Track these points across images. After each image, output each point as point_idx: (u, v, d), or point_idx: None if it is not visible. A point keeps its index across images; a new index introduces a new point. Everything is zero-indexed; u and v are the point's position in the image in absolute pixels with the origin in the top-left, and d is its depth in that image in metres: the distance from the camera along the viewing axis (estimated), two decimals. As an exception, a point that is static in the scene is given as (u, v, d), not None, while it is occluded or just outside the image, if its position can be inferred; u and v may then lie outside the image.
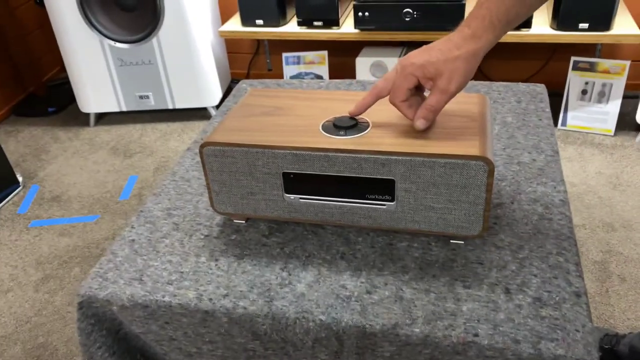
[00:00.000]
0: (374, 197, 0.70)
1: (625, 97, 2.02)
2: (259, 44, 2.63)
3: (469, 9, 2.14)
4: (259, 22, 2.18)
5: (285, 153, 0.69)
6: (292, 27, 2.17)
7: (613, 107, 2.01)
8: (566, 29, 1.89)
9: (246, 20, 2.20)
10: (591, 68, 2.01)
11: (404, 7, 1.96)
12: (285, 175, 0.71)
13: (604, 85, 2.00)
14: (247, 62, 2.70)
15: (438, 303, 0.63)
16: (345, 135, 0.69)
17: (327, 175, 0.69)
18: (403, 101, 0.67)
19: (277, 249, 0.73)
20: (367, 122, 0.72)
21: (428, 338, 0.60)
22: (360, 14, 2.01)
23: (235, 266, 0.71)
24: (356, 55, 2.29)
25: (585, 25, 1.87)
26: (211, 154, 0.72)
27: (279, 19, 2.16)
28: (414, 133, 0.69)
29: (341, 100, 0.78)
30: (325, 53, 2.28)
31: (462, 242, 0.71)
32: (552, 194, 0.78)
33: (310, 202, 0.72)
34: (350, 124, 0.71)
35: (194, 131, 2.36)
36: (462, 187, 0.65)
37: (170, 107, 2.37)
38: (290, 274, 0.69)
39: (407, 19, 1.98)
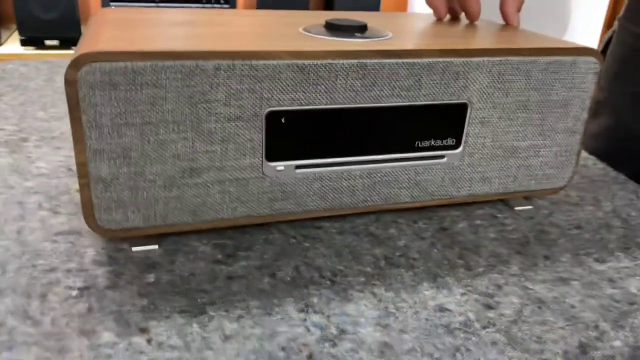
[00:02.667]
0: (429, 143, 0.39)
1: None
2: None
3: (240, 6, 1.97)
4: (-42, 41, 1.55)
5: (280, 65, 0.33)
6: (10, 49, 1.61)
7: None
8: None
9: None
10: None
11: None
12: (272, 118, 0.35)
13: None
14: None
15: (594, 293, 0.37)
16: (364, 37, 0.38)
17: (352, 109, 0.36)
18: None
19: (263, 277, 0.35)
20: (375, 27, 0.42)
21: (639, 351, 0.33)
22: (112, 29, 1.61)
23: (196, 332, 0.30)
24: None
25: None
26: (101, 83, 0.30)
27: (-10, 38, 1.58)
28: (464, 34, 0.42)
29: (280, 16, 0.46)
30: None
31: (531, 207, 0.47)
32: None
33: (315, 173, 0.37)
34: (360, 24, 0.40)
35: None
36: (562, 105, 0.41)
37: None
38: (327, 316, 0.32)
39: (172, 37, 1.66)
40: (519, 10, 0.48)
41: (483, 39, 0.41)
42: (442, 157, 0.40)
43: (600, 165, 0.56)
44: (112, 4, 1.58)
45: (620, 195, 0.50)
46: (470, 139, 0.40)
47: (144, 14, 0.42)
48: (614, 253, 0.41)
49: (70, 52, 1.61)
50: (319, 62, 0.34)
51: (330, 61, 0.34)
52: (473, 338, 0.32)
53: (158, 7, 1.58)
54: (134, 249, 0.37)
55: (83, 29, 1.66)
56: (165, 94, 0.32)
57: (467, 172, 0.41)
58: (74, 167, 0.47)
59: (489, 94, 0.39)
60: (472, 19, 0.47)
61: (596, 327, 0.33)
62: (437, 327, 0.32)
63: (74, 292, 0.33)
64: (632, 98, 0.63)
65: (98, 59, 0.30)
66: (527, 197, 0.47)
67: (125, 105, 0.31)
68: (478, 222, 0.44)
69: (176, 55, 0.31)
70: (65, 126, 0.54)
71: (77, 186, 0.44)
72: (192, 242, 0.38)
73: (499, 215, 0.45)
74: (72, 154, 0.49)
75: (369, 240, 0.40)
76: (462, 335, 0.32)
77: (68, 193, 0.43)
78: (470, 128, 0.39)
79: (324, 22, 0.41)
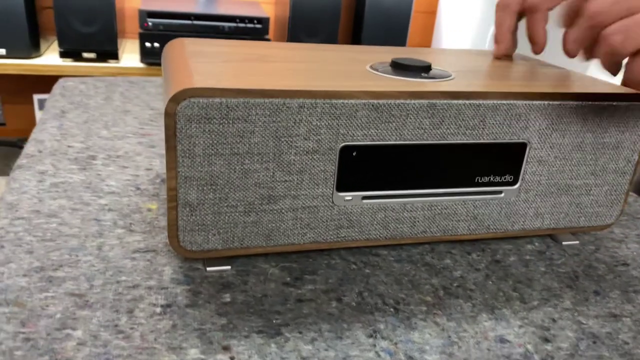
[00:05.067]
0: (488, 179, 0.41)
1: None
2: (-15, 90, 1.97)
3: (272, 30, 2.00)
4: (1, 51, 1.61)
5: (357, 104, 0.36)
6: (50, 60, 1.66)
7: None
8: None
9: (-22, 49, 1.60)
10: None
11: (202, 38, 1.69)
12: (345, 152, 0.37)
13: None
14: (-34, 116, 1.99)
15: (644, 332, 0.38)
16: (430, 78, 0.40)
17: (419, 145, 0.38)
18: (548, 9, 0.43)
19: (330, 302, 0.37)
20: (438, 67, 0.44)
21: (690, 392, 0.34)
22: (148, 44, 1.65)
23: (275, 351, 0.32)
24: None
25: (382, 66, 1.92)
26: (198, 117, 0.33)
27: (31, 48, 1.63)
28: (522, 77, 0.44)
29: (345, 51, 0.48)
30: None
31: (577, 242, 0.48)
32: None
33: (380, 204, 0.39)
34: (425, 64, 0.42)
35: None
36: (614, 146, 0.43)
37: None
38: (394, 342, 0.34)
39: (205, 54, 1.70)
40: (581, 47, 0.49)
41: (542, 82, 0.43)
42: (499, 192, 0.42)
43: (642, 202, 0.57)
44: (149, 20, 1.62)
45: (664, 234, 0.51)
46: (527, 176, 0.42)
47: (218, 46, 0.45)
48: (662, 291, 0.43)
49: (108, 66, 1.66)
50: (392, 101, 0.36)
51: (402, 101, 0.36)
52: (534, 369, 0.33)
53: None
54: (209, 268, 0.39)
55: (119, 42, 1.71)
56: (253, 127, 0.34)
57: (522, 208, 0.43)
58: (142, 187, 0.49)
59: (547, 134, 0.41)
60: (537, 50, 0.48)
61: (650, 364, 0.35)
62: (499, 358, 0.34)
63: (158, 309, 0.35)
64: None
65: (196, 94, 0.33)
66: (574, 233, 0.48)
67: (217, 137, 0.34)
68: (528, 256, 0.45)
69: (266, 93, 0.34)
70: (128, 145, 0.57)
71: (147, 205, 0.47)
72: (261, 264, 0.40)
73: (547, 250, 0.47)
74: (138, 173, 0.52)
75: (426, 270, 0.42)
76: (523, 366, 0.34)
77: (139, 212, 0.46)
78: (528, 166, 0.41)
79: (389, 61, 0.43)
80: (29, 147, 0.55)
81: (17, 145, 2.01)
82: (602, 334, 0.37)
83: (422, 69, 0.41)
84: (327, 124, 0.36)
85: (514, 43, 0.50)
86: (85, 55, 1.65)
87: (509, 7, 0.49)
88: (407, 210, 0.40)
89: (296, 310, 0.36)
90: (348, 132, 0.36)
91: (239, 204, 0.36)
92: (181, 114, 0.33)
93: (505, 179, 0.42)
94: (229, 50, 0.43)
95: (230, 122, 0.34)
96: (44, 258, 0.38)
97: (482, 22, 1.90)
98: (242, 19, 1.69)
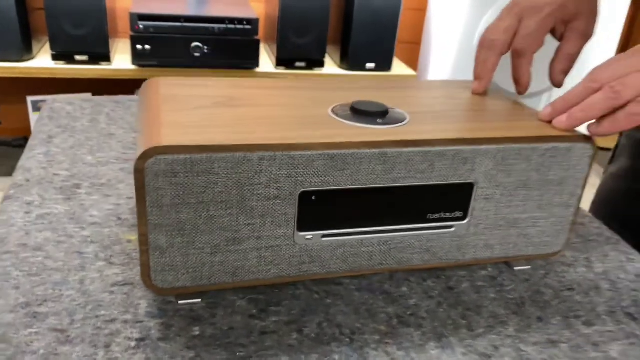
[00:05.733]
0: (439, 216, 0.45)
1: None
2: (-21, 90, 1.99)
3: (262, 46, 2.02)
4: (-7, 55, 1.63)
5: (313, 155, 0.39)
6: (42, 63, 1.68)
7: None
8: (354, 69, 1.93)
9: (-29, 53, 1.62)
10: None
11: (192, 40, 1.71)
12: (304, 197, 0.40)
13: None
14: (-39, 115, 2.01)
15: (579, 356, 0.42)
16: (385, 124, 0.43)
17: (373, 189, 0.42)
18: (534, 53, 0.48)
19: (291, 333, 0.41)
20: (396, 109, 0.47)
21: (612, 415, 0.38)
22: (139, 46, 1.67)
23: (237, 384, 0.36)
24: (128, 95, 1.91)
25: (371, 65, 1.94)
26: (164, 172, 0.36)
27: (23, 51, 1.65)
28: (473, 119, 0.48)
29: (309, 88, 0.51)
30: (88, 96, 1.84)
31: (529, 267, 0.52)
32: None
33: (338, 241, 0.43)
34: (381, 109, 0.45)
35: None
36: (558, 183, 0.46)
37: None
38: (346, 372, 0.38)
39: (196, 55, 1.73)
40: (566, 73, 0.53)
41: (490, 124, 0.46)
42: (450, 227, 0.45)
43: (596, 224, 0.61)
44: (140, 22, 1.64)
45: (612, 257, 0.55)
46: (475, 212, 0.45)
47: (190, 87, 0.48)
48: (600, 317, 0.46)
49: (100, 68, 1.68)
50: (346, 151, 0.39)
51: (356, 150, 0.40)
52: (471, 397, 0.37)
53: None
54: (180, 302, 0.43)
55: (111, 43, 1.73)
56: (217, 179, 0.37)
57: (472, 240, 0.47)
58: (123, 216, 0.53)
59: (493, 175, 0.44)
60: (522, 91, 0.52)
61: (578, 389, 0.39)
62: (441, 386, 0.38)
63: (133, 343, 0.38)
64: None
65: (162, 152, 0.36)
66: (527, 259, 0.52)
67: (182, 188, 0.37)
68: (480, 283, 0.49)
69: (227, 148, 0.37)
70: (112, 172, 0.60)
71: (127, 236, 0.50)
72: (230, 297, 0.44)
73: (499, 276, 0.50)
74: (120, 202, 0.55)
75: (384, 298, 0.46)
76: (461, 394, 0.37)
77: (120, 243, 0.49)
78: (476, 203, 0.45)
79: (350, 106, 0.46)
80: (17, 176, 0.58)
81: (12, 144, 2.04)
82: (538, 361, 0.41)
83: (379, 115, 0.44)
84: (286, 173, 0.39)
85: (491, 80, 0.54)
86: (78, 57, 1.67)
87: (495, 48, 0.52)
88: (364, 246, 0.44)
89: (259, 343, 0.40)
90: (306, 180, 0.40)
91: (205, 246, 0.40)
92: (149, 170, 0.36)
93: (455, 215, 0.45)
94: (200, 94, 0.46)
95: (195, 175, 0.37)
96: (29, 293, 0.42)
97: (471, 18, 1.92)
98: (232, 21, 1.71)
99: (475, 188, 0.44)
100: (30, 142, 0.66)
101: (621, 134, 0.73)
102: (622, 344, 0.43)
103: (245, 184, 0.38)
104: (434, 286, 0.48)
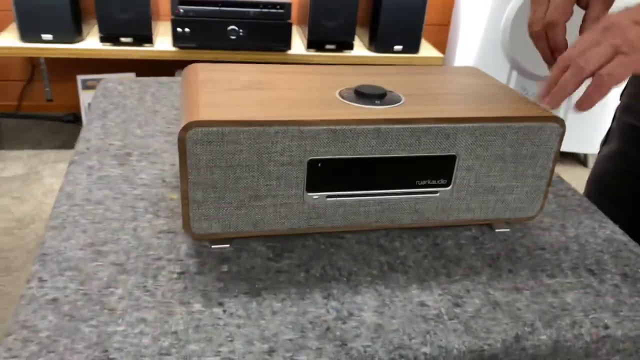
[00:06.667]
0: (426, 182, 0.54)
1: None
2: (33, 68, 2.15)
3: (293, 31, 2.11)
4: (47, 36, 1.77)
5: (319, 130, 0.48)
6: (91, 44, 1.82)
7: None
8: (382, 51, 2.00)
9: (28, 35, 1.76)
10: (402, 89, 2.16)
11: (228, 24, 1.81)
12: (312, 164, 0.50)
13: (414, 104, 2.16)
14: (16, 92, 2.18)
15: (539, 300, 0.50)
16: (382, 104, 0.52)
17: (369, 158, 0.51)
18: (565, 22, 0.55)
19: (299, 273, 0.51)
20: (394, 92, 0.56)
21: (558, 344, 0.47)
22: (179, 29, 1.79)
23: (255, 307, 0.46)
24: (169, 77, 2.04)
25: (399, 48, 2.00)
26: (201, 141, 0.46)
27: (74, 34, 1.79)
28: (460, 101, 0.56)
29: (327, 74, 0.60)
30: (132, 75, 1.97)
31: (509, 230, 0.60)
32: (544, 172, 0.73)
33: (340, 201, 0.52)
34: (380, 92, 0.54)
35: (-45, 178, 1.77)
36: (531, 157, 0.54)
37: None
38: (342, 302, 0.48)
39: (232, 37, 1.83)
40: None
41: (473, 105, 0.54)
42: (436, 192, 0.54)
43: (577, 196, 0.68)
44: (180, 7, 1.75)
45: (586, 224, 0.62)
46: (457, 180, 0.54)
47: (224, 72, 0.57)
48: (564, 271, 0.54)
49: (143, 49, 1.80)
50: (346, 127, 0.48)
51: (354, 127, 0.49)
52: (441, 326, 0.46)
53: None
54: (213, 246, 0.53)
55: (154, 25, 1.85)
56: (241, 148, 0.47)
57: (455, 204, 0.55)
58: (167, 179, 0.63)
59: (472, 149, 0.52)
60: (553, 56, 0.57)
61: (532, 325, 0.47)
62: (417, 317, 0.47)
63: (175, 275, 0.49)
64: (633, 129, 0.74)
65: (199, 125, 0.46)
66: (507, 222, 0.60)
67: (215, 154, 0.47)
68: (463, 241, 0.58)
69: (249, 123, 0.47)
70: (157, 144, 0.71)
71: (170, 196, 0.61)
72: (252, 243, 0.54)
73: (480, 236, 0.59)
74: (165, 168, 0.66)
75: (378, 250, 0.55)
76: (433, 323, 0.46)
77: (164, 201, 0.60)
78: (458, 173, 0.53)
79: (354, 89, 0.55)
80: (79, 145, 0.69)
81: (63, 120, 2.19)
82: (502, 302, 0.50)
83: (378, 97, 0.53)
84: (296, 144, 0.48)
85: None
86: (123, 39, 1.80)
87: (541, 35, 0.58)
88: (362, 206, 0.53)
89: (274, 279, 0.50)
90: (313, 150, 0.49)
91: (233, 200, 0.50)
92: (189, 139, 0.46)
93: (440, 182, 0.54)
94: (232, 78, 0.56)
95: (225, 144, 0.47)
96: (94, 237, 0.53)
97: (498, 1, 1.95)
98: (266, 5, 1.79)
99: (457, 159, 0.53)
100: (89, 117, 0.77)
101: (613, 118, 0.79)
102: (577, 292, 0.52)
103: (263, 152, 0.48)
104: (422, 242, 0.57)
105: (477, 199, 0.55)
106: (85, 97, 1.95)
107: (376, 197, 0.53)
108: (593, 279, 0.54)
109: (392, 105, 0.52)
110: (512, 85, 2.04)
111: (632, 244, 0.60)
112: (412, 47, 2.01)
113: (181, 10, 1.76)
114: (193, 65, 0.60)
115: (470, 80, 0.62)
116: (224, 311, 0.46)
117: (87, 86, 1.94)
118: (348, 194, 0.52)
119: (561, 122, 0.53)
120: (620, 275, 0.55)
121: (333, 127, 0.48)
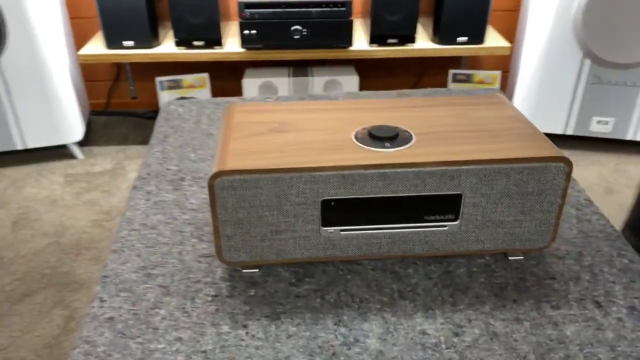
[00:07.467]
0: (434, 217, 0.58)
1: (497, 104, 2.18)
2: (119, 69, 2.34)
3: (357, 26, 2.15)
4: (128, 43, 1.93)
5: (329, 175, 0.54)
6: (167, 48, 1.96)
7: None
8: (447, 43, 1.98)
9: (112, 42, 1.93)
10: (468, 79, 2.13)
11: (292, 24, 1.88)
12: (325, 203, 0.56)
13: (480, 94, 2.14)
14: (105, 91, 2.39)
15: (537, 332, 0.54)
16: (392, 147, 0.57)
17: (377, 198, 0.56)
18: None
19: (316, 298, 0.58)
20: (408, 131, 0.60)
21: (549, 377, 0.50)
22: (246, 31, 1.88)
23: (273, 330, 0.54)
24: (239, 76, 2.15)
25: (463, 39, 1.98)
26: (227, 187, 0.54)
27: (152, 39, 1.93)
28: (468, 139, 0.59)
29: (351, 109, 0.66)
30: (205, 76, 2.10)
31: (522, 258, 0.63)
32: (574, 194, 0.74)
33: (353, 234, 0.58)
34: (392, 134, 0.59)
35: (55, 173, 1.99)
36: (537, 194, 0.57)
37: (20, 147, 1.97)
38: (350, 329, 0.54)
39: (295, 37, 1.90)
40: None
41: (477, 146, 0.57)
42: (444, 226, 0.58)
43: (603, 221, 0.69)
44: (246, 10, 1.84)
45: (604, 252, 0.64)
46: (465, 215, 0.58)
47: (257, 113, 0.64)
48: (569, 302, 0.57)
49: (214, 52, 1.92)
50: (354, 172, 0.54)
51: (362, 171, 0.54)
52: (437, 355, 0.51)
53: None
54: (244, 271, 0.61)
55: (224, 26, 1.95)
56: (262, 191, 0.54)
57: (464, 236, 0.59)
58: (212, 204, 0.72)
59: (477, 188, 0.56)
60: None
61: (525, 357, 0.51)
62: (416, 344, 0.52)
63: (209, 298, 0.57)
64: None
65: (225, 175, 0.53)
66: (515, 252, 0.63)
67: (239, 197, 0.54)
68: (475, 269, 0.62)
69: (268, 171, 0.53)
70: (207, 168, 0.80)
71: (213, 220, 0.69)
72: (278, 269, 0.61)
73: (493, 264, 0.62)
74: (211, 191, 0.74)
75: (391, 277, 0.60)
76: (430, 351, 0.52)
77: (209, 225, 0.68)
78: (465, 209, 0.57)
79: (368, 131, 0.60)
80: (142, 170, 0.79)
81: (144, 116, 2.38)
82: (501, 333, 0.54)
83: (388, 139, 0.58)
84: (309, 187, 0.54)
85: None
86: (195, 43, 1.92)
87: None
88: (374, 238, 0.59)
89: (292, 303, 0.57)
90: (325, 191, 0.55)
91: (257, 235, 0.57)
92: (217, 186, 0.54)
93: (447, 217, 0.58)
94: (261, 120, 0.63)
95: (247, 188, 0.54)
96: (146, 260, 0.62)
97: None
98: (327, 4, 1.84)
99: (463, 197, 0.56)
100: (151, 142, 0.87)
101: None
102: (578, 325, 0.54)
103: (281, 194, 0.55)
104: (435, 270, 0.61)
105: (485, 232, 0.59)
106: (163, 97, 2.11)
107: (387, 231, 0.58)
108: (598, 311, 0.56)
109: (401, 148, 0.57)
110: (584, 74, 1.96)
111: (648, 274, 0.61)
112: (477, 37, 1.98)
113: (247, 14, 1.85)
114: (231, 105, 0.68)
115: (486, 114, 0.65)
116: (247, 333, 0.53)
117: (164, 87, 2.09)
118: (360, 228, 0.58)
119: (567, 162, 0.56)
120: (628, 308, 0.57)
121: (342, 172, 0.54)
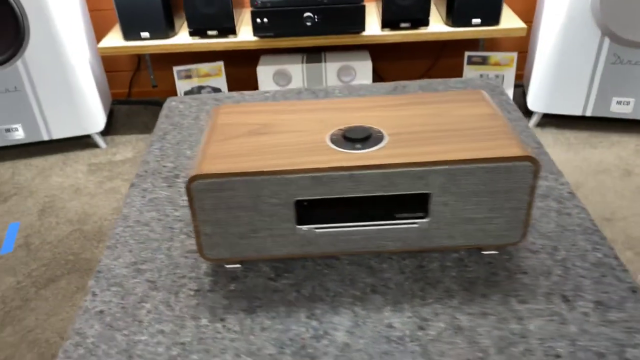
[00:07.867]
0: (404, 215, 0.60)
1: (515, 86, 2.15)
2: (139, 59, 2.40)
3: (369, 10, 2.14)
4: (145, 34, 1.97)
5: (300, 177, 0.57)
6: (182, 39, 2.00)
7: (504, 97, 2.13)
8: (460, 25, 1.96)
9: (129, 34, 1.98)
10: (483, 61, 2.11)
11: (304, 11, 1.88)
12: (299, 203, 0.59)
13: (496, 76, 2.11)
14: (127, 81, 2.45)
15: (501, 326, 0.56)
16: (363, 148, 0.59)
17: (348, 198, 0.58)
18: None
19: (292, 292, 0.61)
20: (381, 132, 0.62)
21: (508, 370, 0.53)
22: (258, 20, 1.90)
23: (249, 323, 0.57)
24: (254, 64, 2.18)
25: (477, 21, 1.95)
26: (203, 189, 0.57)
27: (167, 30, 1.97)
28: (439, 139, 0.61)
29: (331, 109, 0.68)
30: (221, 64, 2.13)
31: (497, 252, 0.65)
32: (557, 187, 0.75)
33: (327, 232, 0.61)
34: (365, 135, 0.60)
35: (79, 162, 2.07)
36: (505, 192, 0.58)
37: (46, 138, 2.05)
38: (321, 322, 0.57)
39: (307, 24, 1.91)
40: None
41: (446, 146, 0.58)
42: (414, 223, 0.60)
43: (583, 214, 0.70)
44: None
45: (579, 246, 0.65)
46: (434, 213, 0.59)
47: (242, 113, 0.67)
48: (536, 297, 0.59)
49: (228, 41, 1.95)
50: (323, 174, 0.56)
51: (331, 173, 0.56)
52: (400, 347, 0.54)
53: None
54: (227, 266, 0.64)
55: (237, 14, 1.98)
56: (237, 193, 0.57)
57: (435, 233, 0.61)
58: (203, 200, 0.75)
59: (446, 187, 0.58)
60: None
61: (485, 351, 0.53)
62: (382, 337, 0.55)
63: (192, 292, 0.61)
64: None
65: (201, 178, 0.56)
66: (488, 247, 0.64)
67: (216, 199, 0.57)
68: (449, 263, 0.63)
69: (242, 174, 0.56)
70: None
71: (202, 216, 0.72)
72: (260, 264, 0.65)
73: (466, 259, 0.64)
74: (203, 188, 0.78)
75: (366, 271, 0.63)
76: (394, 344, 0.54)
77: (197, 222, 0.72)
78: (434, 207, 0.59)
79: (343, 132, 0.62)
80: (140, 167, 0.83)
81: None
82: (465, 327, 0.56)
83: (361, 140, 0.60)
84: (282, 189, 0.57)
85: None
86: (209, 32, 1.95)
87: None
88: (347, 235, 0.61)
89: (269, 297, 0.60)
90: (297, 192, 0.57)
91: (235, 233, 0.60)
92: (194, 188, 0.57)
93: (418, 215, 0.60)
94: (242, 121, 0.66)
95: (223, 191, 0.57)
96: (137, 256, 0.67)
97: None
98: (338, -10, 1.84)
99: (431, 196, 0.58)
100: (151, 139, 0.91)
101: None
102: (543, 319, 0.56)
103: (255, 195, 0.57)
104: (409, 264, 0.64)
105: (456, 228, 0.61)
106: (181, 86, 2.15)
107: (360, 228, 0.61)
108: (564, 305, 0.58)
109: (371, 149, 0.59)
110: (603, 54, 1.91)
111: (620, 268, 0.62)
112: (493, 18, 1.95)
113: (259, 2, 1.87)
114: (216, 108, 0.71)
115: (463, 112, 0.66)
116: (224, 326, 0.57)
117: (181, 76, 2.14)
118: (334, 226, 0.60)
119: (534, 161, 0.57)
120: (594, 302, 0.58)
121: (312, 175, 0.56)
